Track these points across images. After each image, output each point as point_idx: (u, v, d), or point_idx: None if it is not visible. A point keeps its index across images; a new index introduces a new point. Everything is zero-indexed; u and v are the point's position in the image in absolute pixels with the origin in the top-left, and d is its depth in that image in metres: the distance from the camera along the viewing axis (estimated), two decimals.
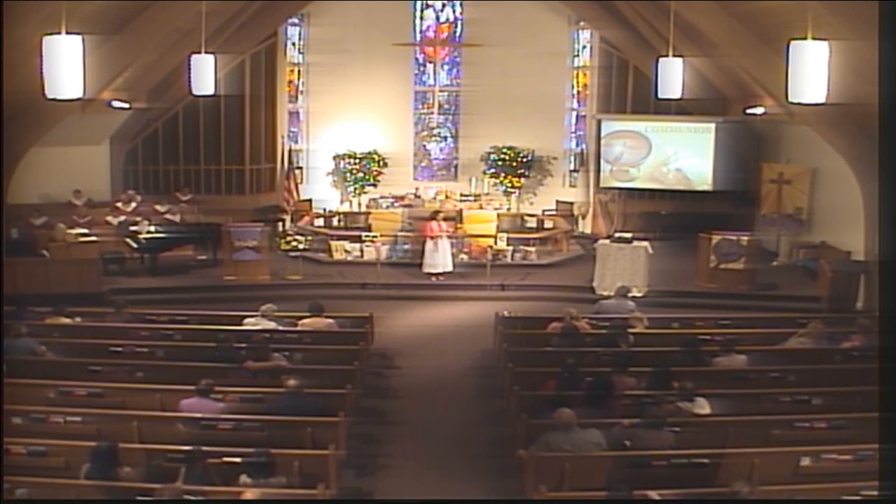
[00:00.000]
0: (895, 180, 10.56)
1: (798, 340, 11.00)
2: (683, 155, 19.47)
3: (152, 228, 16.74)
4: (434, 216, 16.53)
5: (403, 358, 12.41)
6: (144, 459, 7.49)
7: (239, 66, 19.78)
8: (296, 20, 20.80)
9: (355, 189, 20.62)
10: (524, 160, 20.60)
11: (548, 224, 18.92)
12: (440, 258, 16.18)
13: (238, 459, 7.20)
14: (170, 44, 15.55)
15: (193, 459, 7.10)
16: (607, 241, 16.10)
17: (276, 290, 15.23)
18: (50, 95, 7.52)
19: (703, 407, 8.59)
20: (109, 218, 17.63)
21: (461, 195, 20.04)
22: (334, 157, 20.88)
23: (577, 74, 21.36)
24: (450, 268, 16.28)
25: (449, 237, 16.40)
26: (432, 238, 16.19)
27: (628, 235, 16.26)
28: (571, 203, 20.80)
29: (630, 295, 13.35)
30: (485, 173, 20.82)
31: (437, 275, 16.17)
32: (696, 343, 10.63)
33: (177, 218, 18.29)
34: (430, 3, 21.18)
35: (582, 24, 20.78)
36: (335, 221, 19.01)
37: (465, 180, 20.97)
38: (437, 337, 13.56)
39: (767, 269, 16.69)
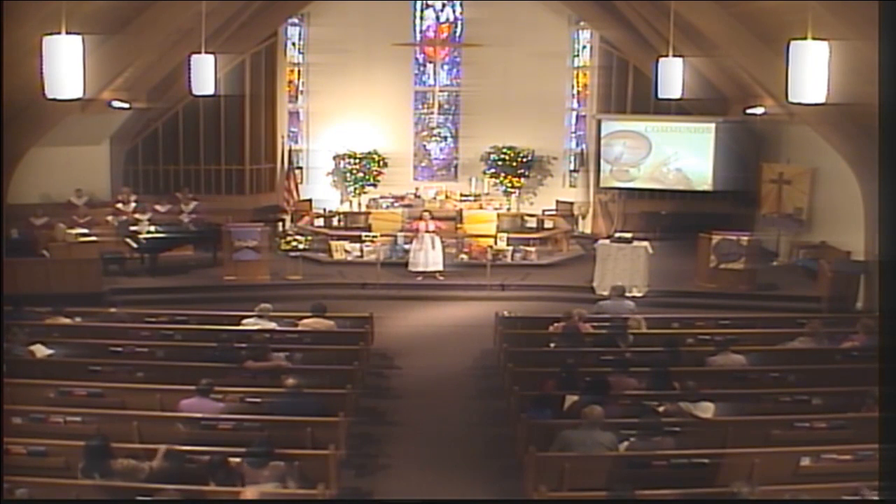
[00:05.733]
0: (895, 180, 10.55)
1: (799, 341, 11.01)
2: (683, 155, 19.47)
3: (152, 228, 16.75)
4: (421, 215, 16.60)
5: (403, 358, 12.41)
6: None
7: (239, 66, 19.77)
8: (296, 20, 20.79)
9: (355, 189, 20.62)
10: (524, 160, 20.59)
11: (548, 224, 18.92)
12: (423, 257, 16.16)
13: (238, 459, 7.21)
14: (170, 44, 15.55)
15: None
16: (607, 241, 16.09)
17: (276, 290, 15.23)
18: (50, 95, 7.52)
19: (706, 410, 8.58)
20: (110, 218, 17.62)
21: (461, 195, 20.07)
22: (334, 157, 20.87)
23: (577, 74, 21.36)
24: (440, 266, 16.26)
25: (434, 234, 16.31)
26: (417, 236, 16.25)
27: (628, 235, 16.25)
28: (571, 203, 20.79)
29: (628, 294, 13.36)
30: (485, 173, 20.82)
31: (423, 273, 16.13)
32: (691, 343, 10.66)
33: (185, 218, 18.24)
34: (430, 3, 21.17)
35: (582, 24, 20.77)
36: (335, 221, 19.02)
37: (465, 180, 20.98)
38: (437, 337, 13.56)
39: (767, 269, 16.68)
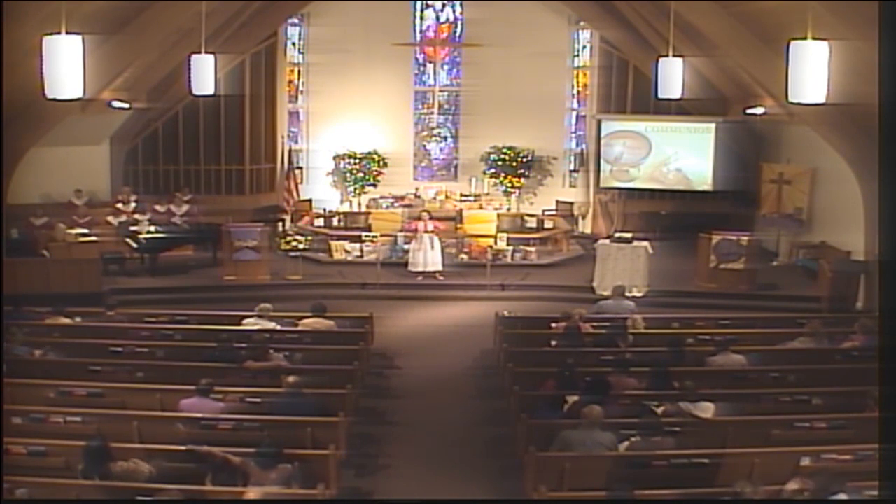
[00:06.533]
0: (895, 180, 10.55)
1: (799, 341, 11.00)
2: (683, 155, 19.46)
3: (152, 228, 16.75)
4: (420, 215, 16.65)
5: (403, 358, 12.41)
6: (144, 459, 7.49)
7: (239, 66, 19.77)
8: (296, 20, 20.79)
9: (355, 189, 20.62)
10: (524, 160, 20.59)
11: (548, 224, 18.92)
12: (422, 257, 16.20)
13: (238, 459, 7.21)
14: (170, 44, 15.54)
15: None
16: (607, 241, 16.10)
17: (276, 290, 15.23)
18: (50, 95, 7.52)
19: (706, 410, 8.58)
20: (110, 218, 17.62)
21: (461, 195, 20.08)
22: (334, 157, 20.87)
23: (577, 74, 21.35)
24: (439, 267, 16.27)
25: (433, 234, 16.33)
26: (415, 236, 16.30)
27: (628, 235, 16.26)
28: (571, 203, 20.79)
29: (629, 294, 13.35)
30: (485, 173, 20.82)
31: (423, 273, 16.16)
32: (691, 343, 10.67)
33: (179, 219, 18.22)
34: (430, 3, 21.16)
35: (582, 24, 20.77)
36: (335, 221, 19.02)
37: (465, 180, 20.98)
38: (437, 337, 13.56)
39: (767, 269, 16.69)
